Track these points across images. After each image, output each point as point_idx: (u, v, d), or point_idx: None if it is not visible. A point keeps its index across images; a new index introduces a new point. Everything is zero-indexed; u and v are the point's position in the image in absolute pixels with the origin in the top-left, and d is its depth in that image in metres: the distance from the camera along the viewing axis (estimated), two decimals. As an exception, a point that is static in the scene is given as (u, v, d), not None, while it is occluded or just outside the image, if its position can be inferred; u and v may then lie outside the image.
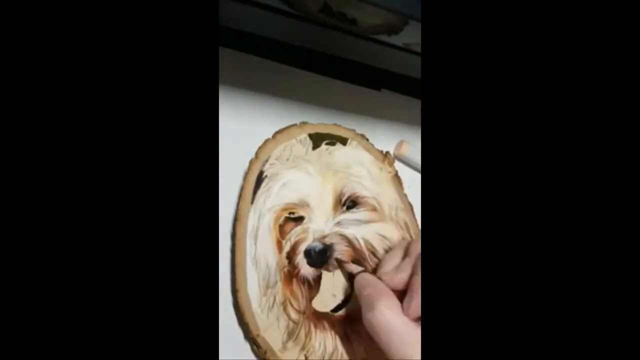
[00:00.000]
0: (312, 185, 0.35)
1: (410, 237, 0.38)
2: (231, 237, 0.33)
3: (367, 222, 0.36)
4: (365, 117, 0.41)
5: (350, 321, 0.34)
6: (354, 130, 0.38)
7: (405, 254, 0.31)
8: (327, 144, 0.37)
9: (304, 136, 0.36)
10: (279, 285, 0.33)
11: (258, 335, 0.31)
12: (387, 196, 0.38)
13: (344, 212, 0.36)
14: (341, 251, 0.35)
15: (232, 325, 0.32)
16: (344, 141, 0.38)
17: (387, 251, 0.36)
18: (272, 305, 0.32)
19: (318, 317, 0.33)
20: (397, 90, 0.42)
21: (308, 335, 0.33)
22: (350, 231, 0.35)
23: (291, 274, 0.33)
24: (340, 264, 0.34)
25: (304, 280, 0.33)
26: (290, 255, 0.33)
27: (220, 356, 0.28)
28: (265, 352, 0.31)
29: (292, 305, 0.33)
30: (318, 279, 0.34)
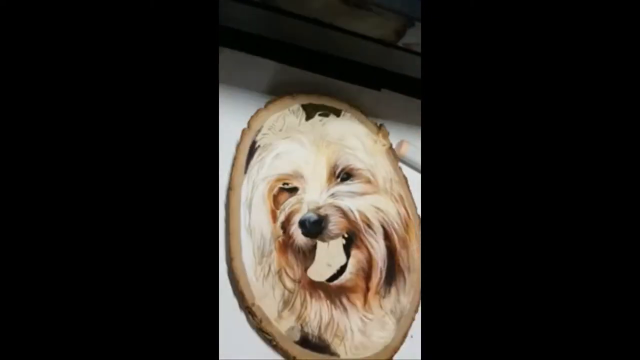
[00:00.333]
0: (306, 157, 0.35)
1: (405, 209, 0.38)
2: (225, 207, 0.32)
3: (362, 194, 0.36)
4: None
5: (345, 291, 0.35)
6: (348, 102, 0.38)
7: None
8: (320, 115, 0.37)
9: (296, 107, 0.36)
10: (274, 254, 0.33)
11: (253, 304, 0.31)
12: (381, 168, 0.38)
13: (338, 183, 0.36)
14: (336, 222, 0.35)
15: (227, 295, 0.32)
16: (337, 112, 0.37)
17: (382, 223, 0.36)
18: (268, 274, 0.32)
19: (314, 287, 0.33)
20: (397, 90, 0.42)
21: (304, 304, 0.33)
22: (345, 203, 0.35)
23: (286, 244, 0.33)
24: None
25: (299, 250, 0.33)
26: (285, 225, 0.33)
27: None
28: (260, 321, 0.31)
29: (287, 274, 0.33)
30: (313, 249, 0.34)
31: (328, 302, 0.34)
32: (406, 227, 0.37)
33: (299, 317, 0.33)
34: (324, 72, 0.39)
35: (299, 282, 0.33)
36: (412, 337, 0.36)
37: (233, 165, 0.33)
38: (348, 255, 0.35)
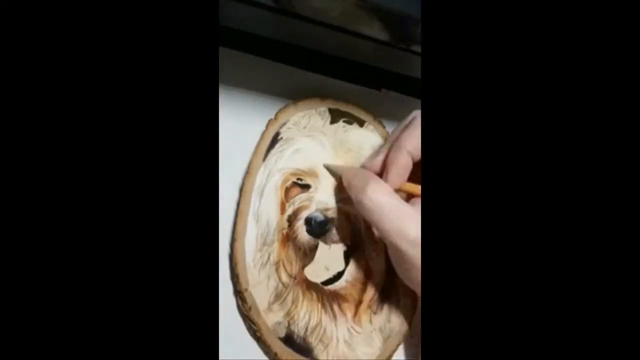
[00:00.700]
0: (324, 158, 0.36)
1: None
2: (239, 190, 0.33)
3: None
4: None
5: (338, 298, 0.34)
6: (373, 115, 0.39)
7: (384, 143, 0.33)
8: (344, 121, 0.37)
9: (324, 109, 0.37)
10: (276, 244, 0.32)
11: (246, 290, 0.31)
12: (393, 185, 0.38)
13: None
14: (341, 227, 0.35)
15: (223, 278, 0.31)
16: (361, 123, 0.38)
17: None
18: (266, 263, 0.32)
19: (308, 286, 0.33)
20: (397, 90, 0.43)
21: (295, 301, 0.32)
22: (353, 211, 0.35)
23: (289, 237, 0.33)
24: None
25: (300, 247, 0.33)
26: (291, 219, 0.33)
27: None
28: (249, 309, 0.31)
29: (284, 267, 0.32)
30: (314, 249, 0.34)
31: (319, 305, 0.33)
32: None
33: (287, 314, 0.32)
34: (324, 72, 0.39)
35: (295, 278, 0.33)
36: (412, 337, 0.35)
37: (254, 151, 0.34)
38: (347, 262, 0.35)
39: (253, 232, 0.32)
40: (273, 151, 0.34)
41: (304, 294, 0.33)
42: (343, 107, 0.38)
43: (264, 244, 0.32)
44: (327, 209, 0.34)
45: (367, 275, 0.35)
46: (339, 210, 0.35)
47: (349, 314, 0.34)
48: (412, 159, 0.32)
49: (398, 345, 0.36)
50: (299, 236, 0.33)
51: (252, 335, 0.32)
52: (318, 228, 0.34)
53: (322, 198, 0.35)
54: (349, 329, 0.34)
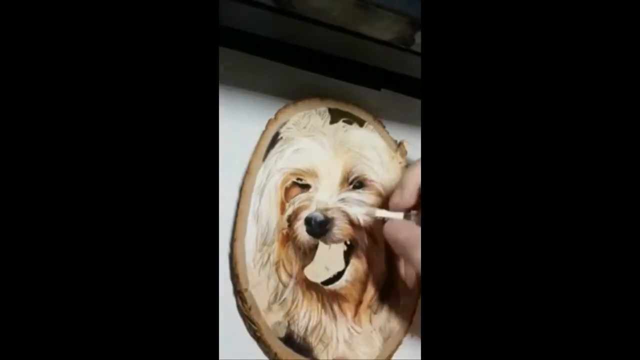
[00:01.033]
0: (324, 157, 0.36)
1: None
2: (239, 190, 0.33)
3: (371, 205, 0.36)
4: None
5: (338, 298, 0.34)
6: (373, 115, 0.39)
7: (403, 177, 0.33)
8: (344, 121, 0.37)
9: (323, 109, 0.37)
10: (276, 244, 0.32)
11: (246, 290, 0.31)
12: (394, 185, 0.38)
13: (349, 190, 0.36)
14: (341, 227, 0.35)
15: (223, 278, 0.31)
16: (361, 123, 0.38)
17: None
18: (266, 263, 0.32)
19: (308, 286, 0.33)
20: (397, 90, 0.43)
21: (295, 301, 0.32)
22: (353, 210, 0.35)
23: (289, 237, 0.33)
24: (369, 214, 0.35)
25: (300, 246, 0.33)
26: (291, 219, 0.33)
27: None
28: (249, 309, 0.31)
29: (284, 267, 0.32)
30: (314, 249, 0.34)
31: (319, 305, 0.33)
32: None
33: (287, 314, 0.32)
34: (324, 72, 0.39)
35: (295, 278, 0.33)
36: (412, 336, 0.35)
37: (254, 151, 0.34)
38: (347, 262, 0.35)
39: (253, 232, 0.32)
40: (273, 151, 0.34)
41: (304, 294, 0.33)
42: (343, 107, 0.38)
43: (264, 244, 0.32)
44: (326, 209, 0.34)
45: (367, 275, 0.35)
46: (339, 210, 0.35)
47: (349, 314, 0.34)
48: None
49: (398, 345, 0.36)
50: (298, 236, 0.33)
51: (252, 335, 0.32)
52: (318, 228, 0.34)
53: (322, 198, 0.35)
54: (349, 329, 0.34)
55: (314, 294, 0.33)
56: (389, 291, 0.36)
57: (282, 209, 0.33)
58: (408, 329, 0.36)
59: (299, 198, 0.34)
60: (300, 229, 0.33)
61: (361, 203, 0.36)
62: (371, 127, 0.39)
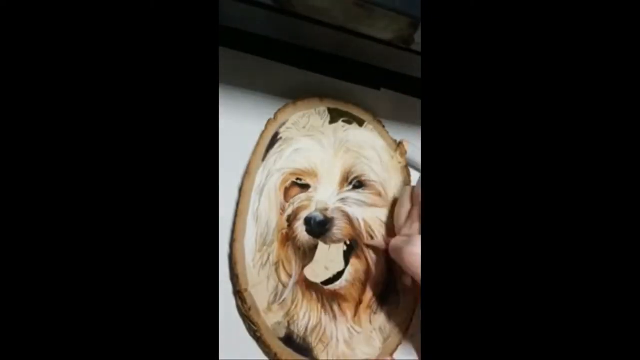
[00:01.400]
0: (323, 157, 0.36)
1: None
2: (239, 190, 0.33)
3: (371, 205, 0.36)
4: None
5: (338, 298, 0.34)
6: (373, 115, 0.39)
7: (412, 202, 0.33)
8: (344, 121, 0.37)
9: (323, 109, 0.37)
10: (275, 245, 0.32)
11: (246, 290, 0.31)
12: (393, 185, 0.38)
13: (349, 190, 0.36)
14: (340, 227, 0.35)
15: (223, 278, 0.31)
16: (360, 122, 0.38)
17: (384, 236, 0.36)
18: (265, 263, 0.32)
19: (307, 286, 0.33)
20: (397, 90, 0.43)
21: (295, 301, 0.32)
22: (353, 210, 0.35)
23: (288, 237, 0.33)
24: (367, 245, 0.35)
25: (300, 247, 0.33)
26: (291, 219, 0.33)
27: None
28: (249, 309, 0.31)
29: (284, 267, 0.32)
30: (314, 249, 0.34)
31: (319, 305, 0.33)
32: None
33: (287, 314, 0.32)
34: (324, 72, 0.39)
35: (295, 278, 0.33)
36: (412, 336, 0.35)
37: (253, 151, 0.34)
38: (347, 262, 0.35)
39: (253, 232, 0.32)
40: (272, 151, 0.34)
41: (303, 294, 0.33)
42: (342, 106, 0.38)
43: (263, 244, 0.32)
44: (326, 209, 0.34)
45: (367, 275, 0.35)
46: (339, 209, 0.35)
47: (349, 314, 0.34)
48: None
49: (398, 345, 0.36)
50: (298, 236, 0.33)
51: (252, 335, 0.32)
52: (317, 228, 0.34)
53: (321, 198, 0.34)
54: (349, 329, 0.34)
55: (313, 294, 0.33)
56: (388, 290, 0.36)
57: (282, 209, 0.33)
58: (408, 329, 0.36)
59: (299, 198, 0.34)
60: (300, 229, 0.33)
61: (361, 203, 0.36)
62: (371, 126, 0.39)
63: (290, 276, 0.32)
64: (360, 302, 0.35)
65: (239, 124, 0.34)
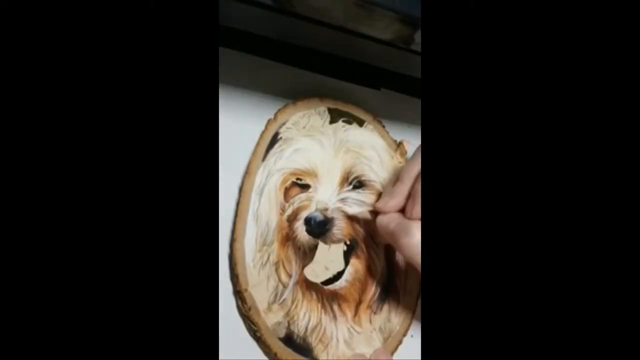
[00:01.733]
0: (323, 157, 0.36)
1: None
2: (239, 190, 0.33)
3: (371, 205, 0.36)
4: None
5: (338, 298, 0.34)
6: (373, 115, 0.39)
7: (396, 179, 0.33)
8: (344, 121, 0.37)
9: (323, 109, 0.37)
10: (275, 245, 0.32)
11: (246, 290, 0.31)
12: (393, 185, 0.38)
13: (349, 190, 0.36)
14: (340, 227, 0.35)
15: (223, 278, 0.31)
16: (361, 122, 0.38)
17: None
18: (265, 263, 0.32)
19: (308, 286, 0.33)
20: (397, 90, 0.43)
21: (295, 302, 0.32)
22: (353, 210, 0.35)
23: (288, 237, 0.33)
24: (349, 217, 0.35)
25: (300, 247, 0.33)
26: (291, 219, 0.33)
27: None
28: (249, 309, 0.31)
29: (284, 267, 0.32)
30: (314, 248, 0.34)
31: (319, 305, 0.33)
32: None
33: (287, 314, 0.32)
34: (324, 72, 0.39)
35: (295, 278, 0.33)
36: (412, 336, 0.35)
37: (253, 151, 0.34)
38: (347, 262, 0.35)
39: (253, 232, 0.32)
40: (272, 151, 0.34)
41: (303, 294, 0.33)
42: (342, 106, 0.38)
43: (263, 244, 0.32)
44: (326, 209, 0.34)
45: (367, 275, 0.35)
46: (339, 209, 0.35)
47: (349, 314, 0.34)
48: None
49: (398, 345, 0.36)
50: (298, 236, 0.33)
51: (252, 335, 0.32)
52: (317, 228, 0.34)
53: (321, 198, 0.35)
54: (349, 329, 0.34)
55: (313, 294, 0.33)
56: (388, 291, 0.36)
57: (282, 209, 0.33)
58: (408, 329, 0.37)
59: (299, 198, 0.34)
60: (300, 229, 0.33)
61: (361, 203, 0.36)
62: (371, 126, 0.39)
63: (290, 276, 0.32)
64: (360, 302, 0.35)
65: (239, 124, 0.34)
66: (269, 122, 0.35)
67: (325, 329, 0.33)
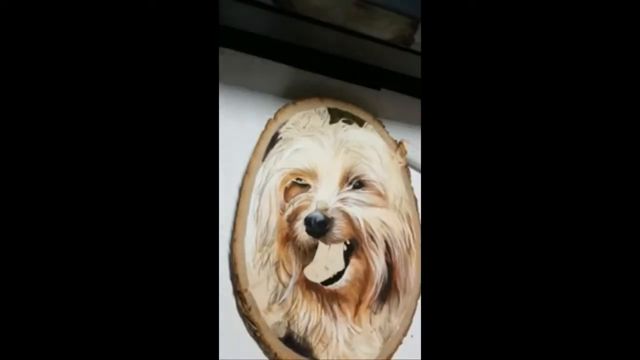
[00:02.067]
0: (323, 157, 0.36)
1: (411, 229, 0.38)
2: (239, 190, 0.33)
3: (371, 205, 0.36)
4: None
5: (338, 298, 0.34)
6: (373, 115, 0.39)
7: None
8: (344, 121, 0.37)
9: (323, 109, 0.37)
10: (275, 245, 0.32)
11: (246, 290, 0.31)
12: (393, 185, 0.38)
13: (349, 190, 0.36)
14: (340, 227, 0.35)
15: (223, 278, 0.31)
16: (361, 122, 0.38)
17: (385, 238, 0.36)
18: (265, 263, 0.32)
19: (308, 286, 0.33)
20: (397, 90, 0.43)
21: (295, 301, 0.32)
22: (353, 210, 0.35)
23: (288, 237, 0.33)
24: None
25: (300, 247, 0.33)
26: (291, 219, 0.33)
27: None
28: (249, 309, 0.31)
29: (284, 267, 0.32)
30: (314, 249, 0.34)
31: (319, 305, 0.33)
32: (409, 247, 0.37)
33: (287, 314, 0.32)
34: (324, 72, 0.39)
35: (295, 278, 0.33)
36: (412, 336, 0.35)
37: (253, 151, 0.34)
38: (347, 262, 0.35)
39: (253, 232, 0.32)
40: (272, 151, 0.34)
41: (303, 294, 0.33)
42: (342, 106, 0.38)
43: (263, 244, 0.32)
44: (326, 209, 0.34)
45: (367, 275, 0.35)
46: (339, 209, 0.35)
47: (349, 314, 0.34)
48: None
49: (398, 345, 0.36)
50: (298, 236, 0.33)
51: (252, 335, 0.32)
52: (318, 228, 0.34)
53: (321, 198, 0.34)
54: (349, 329, 0.34)
55: (313, 294, 0.33)
56: (388, 290, 0.36)
57: (282, 209, 0.33)
58: (408, 329, 0.37)
59: (299, 198, 0.34)
60: (300, 229, 0.33)
61: (361, 203, 0.36)
62: (371, 126, 0.39)
63: (290, 276, 0.32)
64: (360, 302, 0.35)
65: (239, 124, 0.34)
66: (269, 122, 0.35)
67: (325, 329, 0.33)
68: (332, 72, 0.40)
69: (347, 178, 0.36)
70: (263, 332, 0.31)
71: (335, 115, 0.37)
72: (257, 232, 0.32)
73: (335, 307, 0.34)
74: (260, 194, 0.33)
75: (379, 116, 0.40)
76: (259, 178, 0.33)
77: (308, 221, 0.34)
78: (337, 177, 0.36)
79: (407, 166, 0.39)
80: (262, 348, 0.32)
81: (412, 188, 0.39)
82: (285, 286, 0.32)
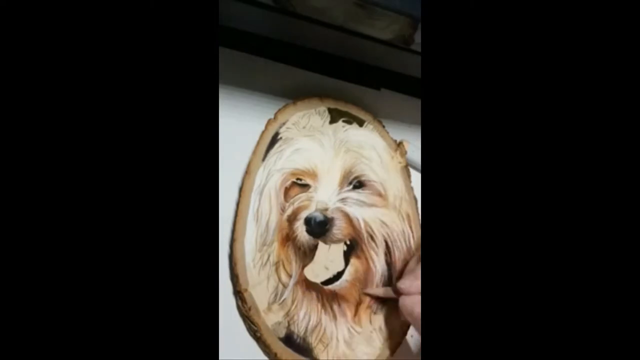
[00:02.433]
0: (323, 157, 0.36)
1: (411, 229, 0.38)
2: (238, 190, 0.33)
3: (371, 205, 0.36)
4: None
5: (338, 298, 0.34)
6: (373, 115, 0.39)
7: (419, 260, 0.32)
8: (344, 121, 0.37)
9: (323, 109, 0.37)
10: (275, 245, 0.32)
11: (246, 290, 0.31)
12: (393, 185, 0.38)
13: (349, 190, 0.36)
14: (340, 227, 0.35)
15: (223, 278, 0.31)
16: (361, 122, 0.38)
17: (385, 238, 0.36)
18: (265, 263, 0.32)
19: (308, 286, 0.33)
20: (397, 90, 0.43)
21: (295, 302, 0.32)
22: (353, 210, 0.35)
23: (288, 237, 0.33)
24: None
25: (300, 247, 0.33)
26: (291, 219, 0.33)
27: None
28: (249, 309, 0.31)
29: (284, 267, 0.32)
30: (314, 248, 0.34)
31: (319, 305, 0.33)
32: (409, 247, 0.37)
33: (287, 314, 0.32)
34: (324, 72, 0.39)
35: (295, 278, 0.33)
36: (412, 336, 0.35)
37: (253, 151, 0.34)
38: (347, 262, 0.35)
39: (253, 232, 0.32)
40: (272, 151, 0.34)
41: (303, 294, 0.33)
42: (342, 106, 0.38)
43: (263, 244, 0.32)
44: (326, 209, 0.34)
45: (367, 275, 0.35)
46: (338, 209, 0.35)
47: (349, 314, 0.34)
48: None
49: (398, 345, 0.36)
50: (298, 236, 0.33)
51: (252, 335, 0.32)
52: (318, 228, 0.34)
53: (321, 198, 0.35)
54: (349, 329, 0.34)
55: (313, 294, 0.33)
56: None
57: (282, 209, 0.33)
58: (408, 329, 0.36)
59: (299, 198, 0.34)
60: (300, 229, 0.33)
61: (360, 203, 0.36)
62: (371, 126, 0.39)
63: (290, 276, 0.32)
64: (360, 302, 0.35)
65: (239, 124, 0.34)
66: (269, 122, 0.35)
67: (325, 329, 0.33)
68: (332, 72, 0.40)
69: (347, 178, 0.36)
70: (263, 332, 0.31)
71: (335, 115, 0.37)
72: (257, 232, 0.32)
73: (335, 307, 0.34)
74: (260, 194, 0.33)
75: (379, 116, 0.40)
76: (259, 178, 0.33)
77: (308, 221, 0.34)
78: (337, 177, 0.36)
79: (407, 166, 0.39)
80: (262, 348, 0.32)
81: (412, 188, 0.39)
82: (285, 286, 0.32)
